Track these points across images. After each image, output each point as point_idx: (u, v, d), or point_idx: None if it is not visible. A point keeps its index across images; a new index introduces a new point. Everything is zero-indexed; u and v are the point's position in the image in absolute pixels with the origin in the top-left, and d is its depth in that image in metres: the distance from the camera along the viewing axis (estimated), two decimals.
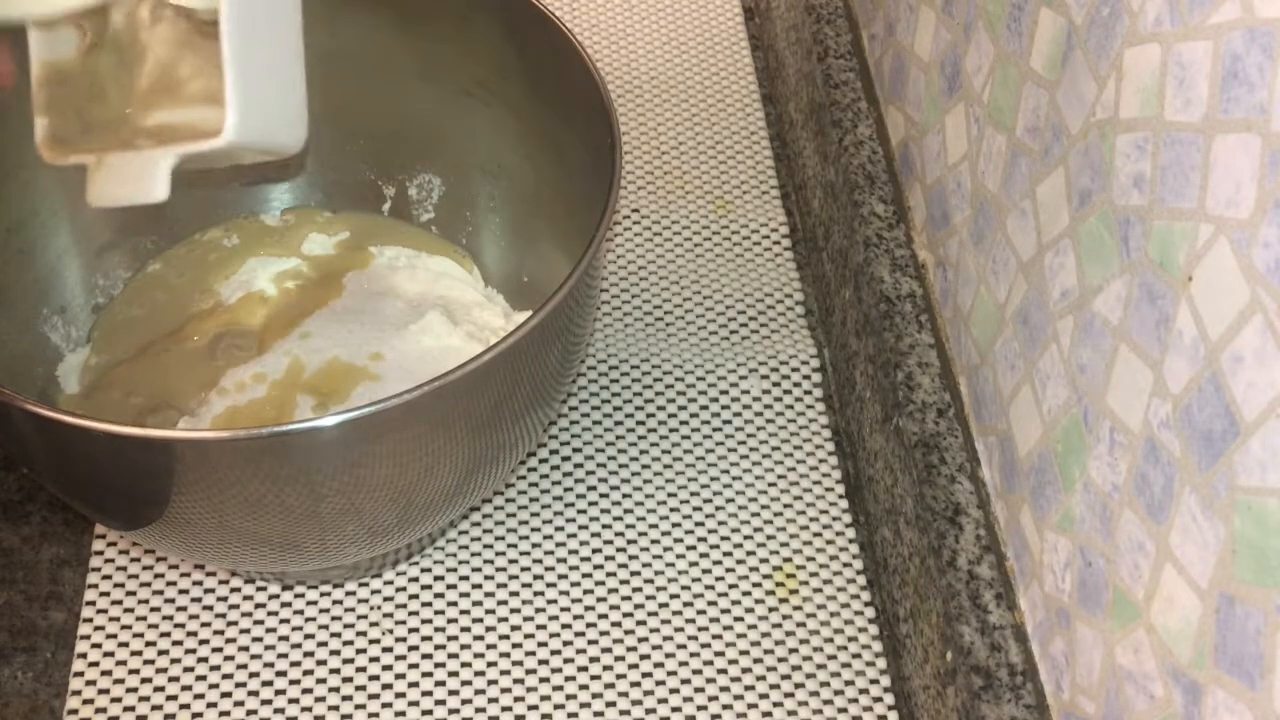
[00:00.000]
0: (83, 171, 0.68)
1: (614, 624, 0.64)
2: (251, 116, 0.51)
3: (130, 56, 0.54)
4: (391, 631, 0.64)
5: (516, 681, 0.62)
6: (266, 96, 0.52)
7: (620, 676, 0.63)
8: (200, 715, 0.61)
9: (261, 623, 0.64)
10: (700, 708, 0.62)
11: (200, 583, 0.65)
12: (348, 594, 0.65)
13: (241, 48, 0.51)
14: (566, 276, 0.52)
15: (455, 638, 0.64)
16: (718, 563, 0.67)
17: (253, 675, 0.62)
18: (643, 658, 0.63)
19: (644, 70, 0.89)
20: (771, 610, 0.65)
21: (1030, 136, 0.54)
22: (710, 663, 0.63)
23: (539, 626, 0.64)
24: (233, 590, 0.64)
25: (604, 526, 0.68)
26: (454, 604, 0.65)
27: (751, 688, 0.63)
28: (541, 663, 0.63)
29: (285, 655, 0.63)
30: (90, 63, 0.54)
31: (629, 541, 0.67)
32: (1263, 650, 0.39)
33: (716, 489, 0.69)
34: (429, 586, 0.65)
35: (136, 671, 0.62)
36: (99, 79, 0.54)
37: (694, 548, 0.67)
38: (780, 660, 0.63)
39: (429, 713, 0.61)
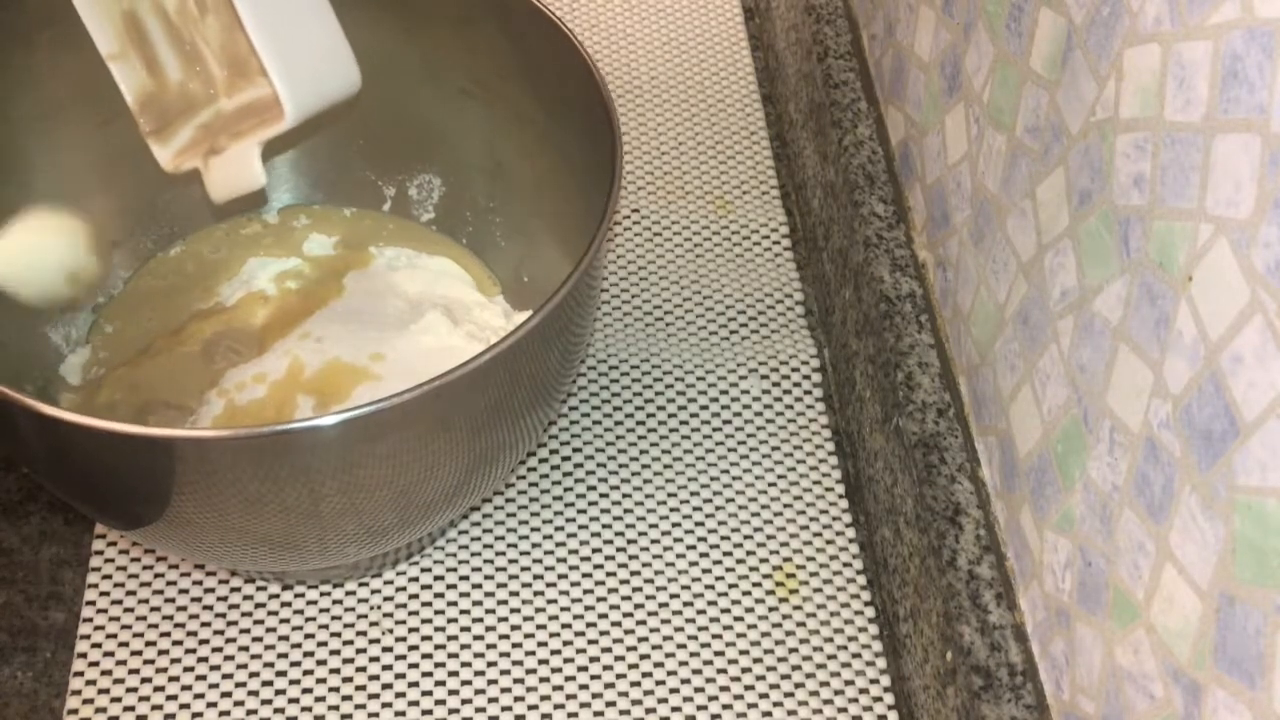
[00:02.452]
0: (81, 170, 0.69)
1: (614, 624, 0.64)
2: (303, 90, 0.54)
3: (195, 56, 0.58)
4: (391, 631, 0.64)
5: (516, 681, 0.62)
6: (310, 62, 0.55)
7: (620, 676, 0.63)
8: (200, 715, 0.61)
9: (261, 623, 0.64)
10: (700, 708, 0.62)
11: (200, 583, 0.65)
12: (348, 594, 0.65)
13: (268, 28, 0.52)
14: (566, 276, 0.52)
15: (455, 638, 0.64)
16: (718, 563, 0.67)
17: (253, 675, 0.62)
18: (643, 658, 0.63)
19: (644, 70, 0.89)
20: (771, 610, 0.65)
21: (1030, 136, 0.54)
22: (710, 663, 0.63)
23: (539, 626, 0.64)
24: (233, 590, 0.64)
25: (604, 526, 0.68)
26: (454, 604, 0.65)
27: (751, 688, 0.63)
28: (541, 663, 0.63)
29: (285, 655, 0.63)
30: (168, 79, 0.59)
31: (629, 541, 0.67)
32: (1263, 650, 0.39)
33: (716, 489, 0.69)
34: (429, 586, 0.65)
35: (136, 671, 0.62)
36: (184, 90, 0.59)
37: (694, 548, 0.67)
38: (780, 660, 0.63)
39: (429, 713, 0.61)
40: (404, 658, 0.63)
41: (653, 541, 0.67)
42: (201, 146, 0.58)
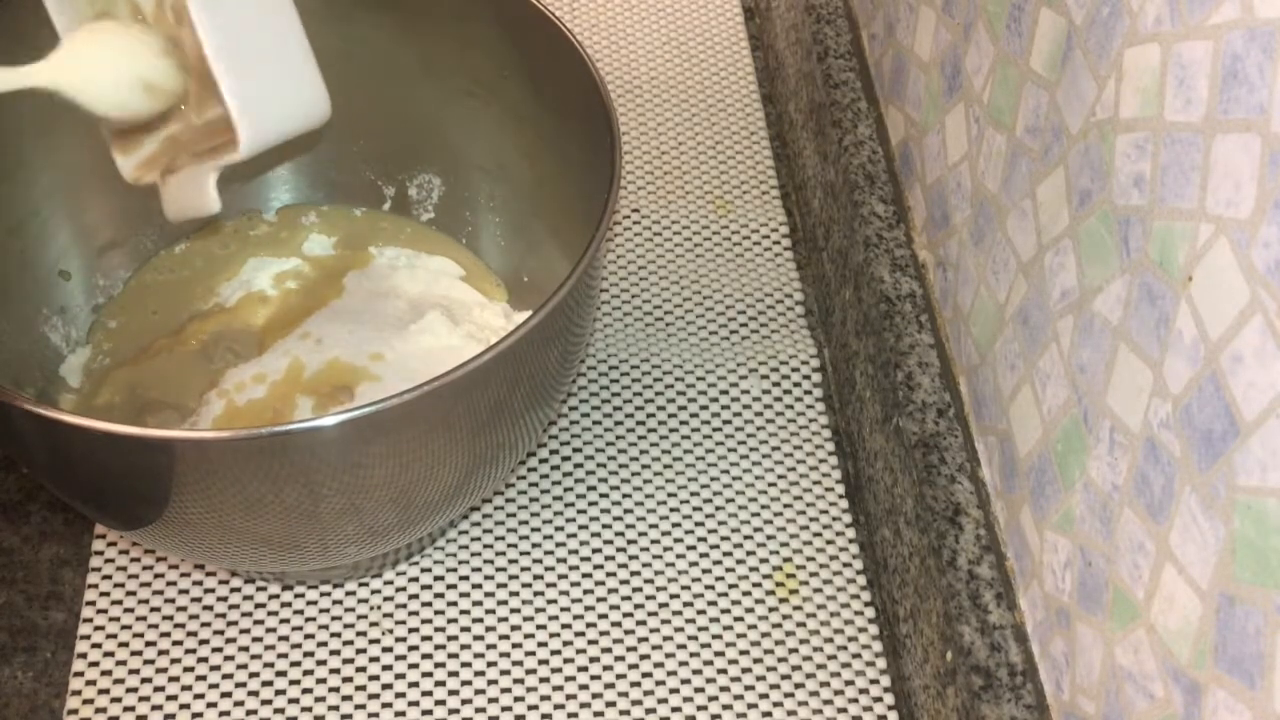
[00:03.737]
0: (82, 171, 0.69)
1: (614, 624, 0.64)
2: (263, 122, 0.52)
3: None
4: (391, 631, 0.64)
5: (516, 681, 0.62)
6: (274, 91, 0.53)
7: (620, 676, 0.63)
8: (200, 715, 0.61)
9: (261, 623, 0.64)
10: (700, 708, 0.62)
11: (200, 583, 0.65)
12: (348, 594, 0.65)
13: (230, 53, 0.50)
14: (566, 276, 0.52)
15: (455, 638, 0.64)
16: (718, 563, 0.67)
17: (253, 675, 0.62)
18: (643, 658, 0.63)
19: (644, 70, 0.89)
20: (771, 610, 0.65)
21: (1030, 136, 0.54)
22: (710, 663, 0.63)
23: (539, 626, 0.64)
24: (233, 590, 0.64)
25: (604, 526, 0.68)
26: (454, 604, 0.65)
27: (751, 688, 0.63)
28: (541, 663, 0.63)
29: (285, 655, 0.63)
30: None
31: (629, 541, 0.67)
32: (1263, 650, 0.39)
33: (716, 489, 0.69)
34: (429, 586, 0.65)
35: (136, 671, 0.62)
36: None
37: (694, 548, 0.67)
38: (780, 660, 0.63)
39: (429, 713, 0.61)
40: (404, 658, 0.63)
41: (653, 541, 0.67)
42: (162, 161, 0.56)
